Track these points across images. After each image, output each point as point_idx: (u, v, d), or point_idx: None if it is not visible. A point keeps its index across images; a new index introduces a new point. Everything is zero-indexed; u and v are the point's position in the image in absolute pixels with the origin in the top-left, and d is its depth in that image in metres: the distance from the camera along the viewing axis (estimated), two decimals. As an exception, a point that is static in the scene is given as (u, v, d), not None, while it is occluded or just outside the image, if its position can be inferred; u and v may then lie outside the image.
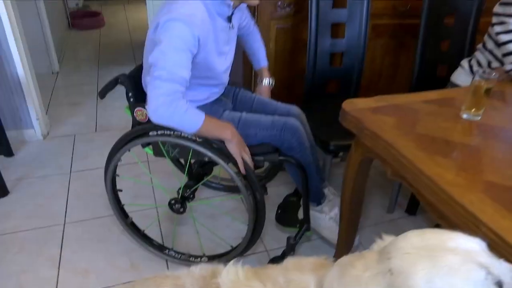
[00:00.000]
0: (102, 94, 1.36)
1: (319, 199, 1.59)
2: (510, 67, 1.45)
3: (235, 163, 1.31)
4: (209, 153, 1.29)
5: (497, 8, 1.49)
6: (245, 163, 1.30)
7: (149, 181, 2.07)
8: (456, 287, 0.52)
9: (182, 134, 1.30)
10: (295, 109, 1.55)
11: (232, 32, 1.39)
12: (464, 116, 1.17)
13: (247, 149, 1.33)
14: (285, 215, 1.65)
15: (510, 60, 1.45)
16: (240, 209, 1.91)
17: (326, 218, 1.62)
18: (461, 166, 0.93)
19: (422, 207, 1.91)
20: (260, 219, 1.39)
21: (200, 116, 1.22)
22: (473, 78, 1.14)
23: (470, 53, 1.85)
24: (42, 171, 2.12)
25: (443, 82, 1.81)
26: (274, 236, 1.75)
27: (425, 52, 1.88)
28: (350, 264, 0.62)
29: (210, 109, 1.42)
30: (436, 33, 1.91)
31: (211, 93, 1.46)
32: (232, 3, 1.27)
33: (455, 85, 1.68)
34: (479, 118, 1.16)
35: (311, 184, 1.49)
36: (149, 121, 1.28)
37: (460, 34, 1.91)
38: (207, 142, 1.30)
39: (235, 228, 1.78)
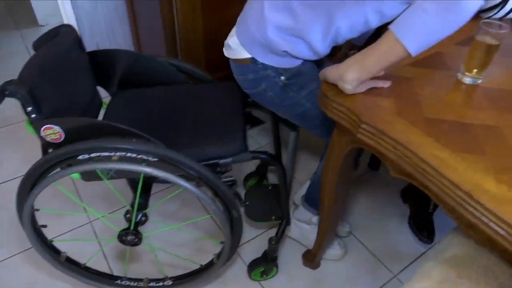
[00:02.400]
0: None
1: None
2: None
3: (208, 186, 1.02)
4: (172, 178, 0.97)
5: None
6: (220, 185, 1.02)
7: (80, 206, 1.68)
8: None
9: (128, 155, 0.96)
10: None
11: None
12: (467, 80, 0.95)
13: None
14: (257, 208, 1.41)
15: None
16: (203, 225, 1.64)
17: (306, 227, 1.42)
18: (497, 164, 0.73)
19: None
20: (238, 234, 1.14)
21: None
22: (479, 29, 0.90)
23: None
24: None
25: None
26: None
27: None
28: None
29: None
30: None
31: None
32: None
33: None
34: (481, 80, 0.96)
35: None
36: (65, 140, 0.94)
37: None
38: (165, 161, 0.97)
39: (195, 243, 1.52)
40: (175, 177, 0.98)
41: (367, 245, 1.51)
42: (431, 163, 0.73)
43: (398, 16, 0.82)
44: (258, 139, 1.97)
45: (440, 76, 0.98)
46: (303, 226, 1.43)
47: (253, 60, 1.05)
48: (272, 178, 1.72)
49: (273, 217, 1.36)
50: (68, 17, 1.94)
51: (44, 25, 2.94)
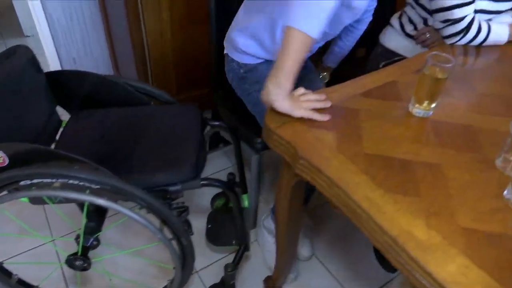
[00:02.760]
0: None
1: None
2: (441, 26, 1.23)
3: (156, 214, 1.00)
4: (115, 207, 0.95)
5: None
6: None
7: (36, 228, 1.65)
8: None
9: (70, 182, 0.93)
10: None
11: None
12: (416, 112, 0.93)
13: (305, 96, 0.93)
14: (219, 231, 1.38)
15: (439, 18, 1.22)
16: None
17: (271, 241, 1.40)
18: (430, 207, 0.71)
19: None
20: (189, 262, 1.11)
21: None
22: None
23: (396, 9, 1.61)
24: None
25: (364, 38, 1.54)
26: (202, 252, 1.50)
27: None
28: None
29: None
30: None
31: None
32: None
33: (386, 49, 1.43)
34: (431, 113, 0.93)
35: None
36: (10, 164, 0.93)
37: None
38: (107, 189, 0.94)
39: (150, 267, 1.49)
40: (118, 206, 0.96)
41: (331, 270, 1.48)
42: (362, 205, 0.70)
43: None
44: (232, 158, 1.94)
45: (390, 107, 0.96)
46: (268, 238, 1.44)
47: (227, 55, 1.29)
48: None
49: (234, 242, 1.33)
50: (43, 32, 1.93)
51: (29, 36, 2.94)
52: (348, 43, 1.44)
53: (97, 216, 1.25)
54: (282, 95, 0.86)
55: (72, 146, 1.18)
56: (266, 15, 1.13)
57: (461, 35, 1.19)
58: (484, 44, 1.22)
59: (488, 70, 1.16)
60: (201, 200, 1.71)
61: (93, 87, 1.28)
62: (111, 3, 1.77)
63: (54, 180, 0.95)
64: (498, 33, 1.22)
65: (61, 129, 1.26)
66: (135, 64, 1.69)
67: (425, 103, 0.91)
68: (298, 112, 0.88)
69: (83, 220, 1.15)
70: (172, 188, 1.07)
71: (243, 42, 1.20)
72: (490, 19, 1.25)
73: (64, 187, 0.95)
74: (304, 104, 0.89)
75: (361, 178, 0.75)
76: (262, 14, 1.14)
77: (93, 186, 0.96)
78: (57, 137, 1.23)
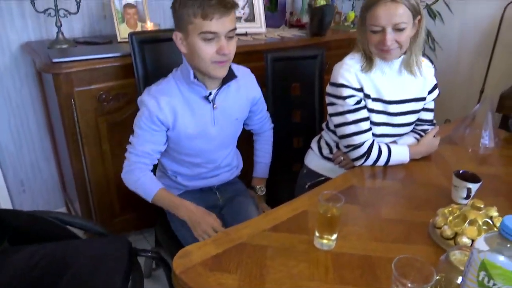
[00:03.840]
0: None
1: None
2: (346, 151, 1.36)
3: None
4: None
5: (328, 88, 1.39)
6: None
7: None
8: None
9: None
10: None
11: (219, 112, 1.33)
12: (319, 246, 0.99)
13: (214, 222, 1.27)
14: None
15: (343, 143, 1.35)
16: None
17: None
18: None
19: None
20: None
21: (152, 189, 1.31)
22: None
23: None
24: None
25: (302, 152, 1.67)
26: None
27: (277, 124, 1.73)
28: None
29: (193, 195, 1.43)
30: (285, 102, 1.80)
31: (198, 172, 1.43)
32: (203, 85, 1.26)
33: (310, 170, 1.54)
34: (334, 244, 0.99)
35: None
36: None
37: (308, 103, 1.82)
38: None
39: None
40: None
41: None
42: None
43: None
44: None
45: (297, 241, 1.01)
46: None
47: None
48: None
49: None
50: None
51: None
52: (263, 151, 1.58)
53: None
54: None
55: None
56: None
57: (364, 158, 1.32)
58: (389, 164, 1.35)
59: (393, 193, 1.26)
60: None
61: (23, 224, 1.30)
62: (57, 129, 1.86)
63: None
64: (399, 153, 1.35)
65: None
66: (76, 190, 1.73)
67: (326, 237, 0.98)
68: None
69: None
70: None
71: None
72: (394, 141, 1.39)
73: None
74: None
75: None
76: None
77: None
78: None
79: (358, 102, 1.31)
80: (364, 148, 1.31)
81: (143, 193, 1.33)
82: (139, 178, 1.31)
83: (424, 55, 2.30)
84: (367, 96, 1.31)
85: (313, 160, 1.53)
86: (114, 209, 1.86)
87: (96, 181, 1.72)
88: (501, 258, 0.61)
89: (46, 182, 2.17)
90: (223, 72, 1.23)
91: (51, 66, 1.52)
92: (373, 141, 1.32)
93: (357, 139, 1.30)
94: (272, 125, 1.63)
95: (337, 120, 1.34)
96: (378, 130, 1.35)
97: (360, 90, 1.30)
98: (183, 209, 1.29)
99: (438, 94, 1.45)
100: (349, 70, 1.30)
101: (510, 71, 2.75)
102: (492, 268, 0.60)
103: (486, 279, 0.61)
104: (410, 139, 1.42)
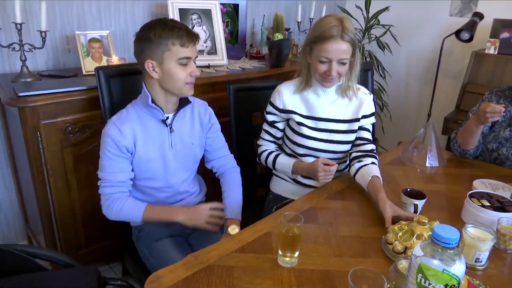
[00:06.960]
0: None
1: None
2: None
3: None
4: None
5: None
6: None
7: None
8: None
9: None
10: None
11: (176, 136, 1.42)
12: (282, 263, 1.06)
13: (207, 207, 1.41)
14: None
15: None
16: None
17: None
18: None
19: None
20: None
21: (139, 210, 1.36)
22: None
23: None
24: None
25: (265, 178, 1.76)
26: None
27: (240, 152, 1.82)
28: None
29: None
30: (247, 130, 1.89)
31: (160, 198, 1.47)
32: (160, 109, 1.35)
33: (275, 195, 1.63)
34: (296, 262, 1.07)
35: None
36: None
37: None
38: None
39: None
40: None
41: None
42: None
43: None
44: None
45: (262, 261, 1.08)
46: None
47: None
48: None
49: None
50: None
51: None
52: (230, 192, 1.54)
53: None
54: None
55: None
56: None
57: (257, 157, 1.64)
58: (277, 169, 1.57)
59: (349, 212, 1.36)
60: None
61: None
62: (21, 160, 1.85)
63: None
64: (284, 165, 1.55)
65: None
66: (41, 222, 1.72)
67: (289, 255, 1.06)
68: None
69: None
70: None
71: None
72: (343, 158, 1.51)
73: None
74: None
75: None
76: None
77: None
78: None
79: (274, 121, 1.58)
80: (259, 150, 1.63)
81: (130, 218, 1.40)
82: (121, 207, 1.35)
83: (374, 81, 2.50)
84: (294, 112, 1.52)
85: (277, 185, 1.62)
86: (80, 240, 1.86)
87: (61, 213, 1.72)
88: (435, 261, 0.71)
89: (5, 215, 2.13)
90: (192, 91, 1.38)
91: (16, 100, 1.54)
92: (267, 150, 1.60)
93: (260, 142, 1.64)
94: (238, 167, 1.63)
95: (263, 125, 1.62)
96: (310, 143, 1.51)
97: (282, 110, 1.52)
98: (178, 212, 1.39)
99: (373, 124, 1.60)
100: (278, 92, 1.54)
101: (452, 97, 3.01)
102: (427, 270, 0.70)
103: (423, 280, 0.71)
104: (376, 169, 1.48)
